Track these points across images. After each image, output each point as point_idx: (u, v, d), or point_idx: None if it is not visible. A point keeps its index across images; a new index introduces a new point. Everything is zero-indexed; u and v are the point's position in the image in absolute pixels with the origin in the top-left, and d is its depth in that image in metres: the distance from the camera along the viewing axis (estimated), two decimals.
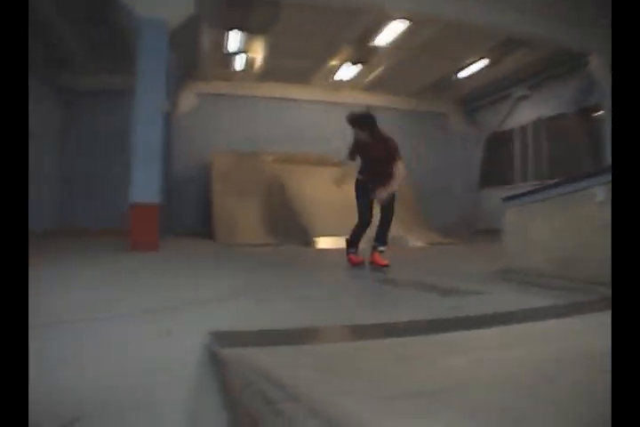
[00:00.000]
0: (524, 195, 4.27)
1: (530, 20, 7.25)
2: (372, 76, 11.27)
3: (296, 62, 10.13)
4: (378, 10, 7.46)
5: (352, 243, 4.92)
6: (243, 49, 9.45)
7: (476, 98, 12.50)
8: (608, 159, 8.02)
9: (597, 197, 3.26)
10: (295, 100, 11.96)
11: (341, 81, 11.63)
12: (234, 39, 8.98)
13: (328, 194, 9.07)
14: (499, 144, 12.23)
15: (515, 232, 4.32)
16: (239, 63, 10.25)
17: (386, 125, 11.26)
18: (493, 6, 7.14)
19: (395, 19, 7.98)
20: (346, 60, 10.29)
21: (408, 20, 7.97)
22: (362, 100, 11.23)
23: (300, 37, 8.75)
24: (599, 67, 7.89)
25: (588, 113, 9.07)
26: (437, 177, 12.69)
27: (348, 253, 4.95)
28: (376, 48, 9.42)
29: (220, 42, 9.07)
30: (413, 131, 12.25)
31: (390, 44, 9.11)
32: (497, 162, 12.24)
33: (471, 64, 10.12)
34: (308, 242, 8.62)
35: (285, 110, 11.91)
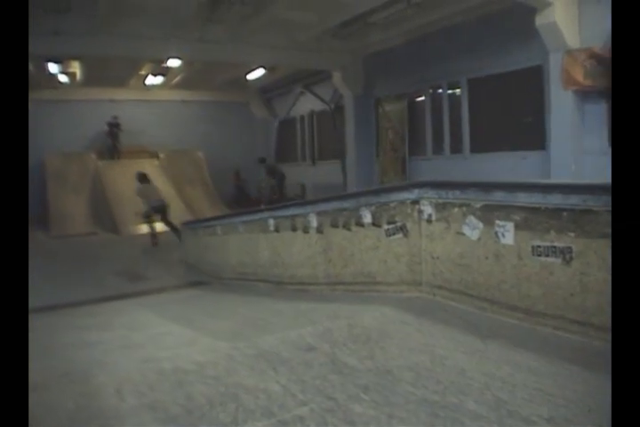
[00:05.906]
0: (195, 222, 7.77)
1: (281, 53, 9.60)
2: (175, 80, 13.21)
3: (111, 72, 11.82)
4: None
5: None
6: (62, 70, 10.99)
7: (271, 89, 14.54)
8: (348, 144, 10.55)
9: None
10: (114, 101, 13.52)
11: (152, 84, 13.42)
12: (51, 67, 10.53)
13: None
14: (287, 128, 14.47)
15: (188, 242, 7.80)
16: (62, 78, 11.77)
17: (195, 115, 14.37)
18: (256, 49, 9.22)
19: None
20: (148, 73, 12.33)
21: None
22: (172, 96, 14.30)
23: (107, 59, 10.37)
24: (338, 79, 10.35)
25: (341, 110, 11.24)
26: (243, 154, 14.68)
27: None
28: (169, 67, 11.47)
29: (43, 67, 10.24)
30: (219, 118, 14.78)
31: (179, 66, 11.26)
32: (286, 142, 14.48)
33: (254, 70, 12.11)
34: (116, 230, 10.59)
35: (107, 110, 13.24)
